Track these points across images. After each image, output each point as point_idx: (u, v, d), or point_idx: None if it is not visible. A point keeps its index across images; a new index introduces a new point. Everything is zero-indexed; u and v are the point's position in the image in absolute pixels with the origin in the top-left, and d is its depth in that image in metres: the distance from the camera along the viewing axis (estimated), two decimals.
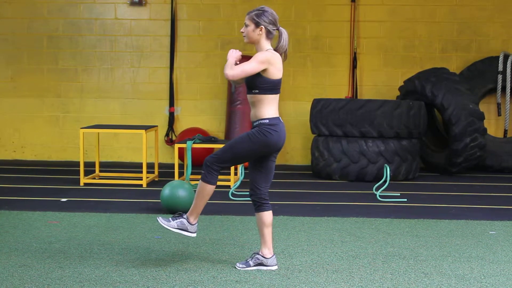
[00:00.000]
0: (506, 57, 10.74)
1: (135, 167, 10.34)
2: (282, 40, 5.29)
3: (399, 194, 8.56)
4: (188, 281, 5.03)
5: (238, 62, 5.31)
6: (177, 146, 8.91)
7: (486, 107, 10.98)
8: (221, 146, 9.18)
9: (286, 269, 5.36)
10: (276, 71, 5.21)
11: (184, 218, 5.31)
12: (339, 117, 9.68)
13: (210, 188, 5.26)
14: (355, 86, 11.04)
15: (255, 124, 5.26)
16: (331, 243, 6.18)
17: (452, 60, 11.07)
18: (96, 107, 11.31)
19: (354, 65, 11.07)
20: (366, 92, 11.14)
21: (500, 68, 10.73)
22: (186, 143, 8.83)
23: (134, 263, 5.47)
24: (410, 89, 10.35)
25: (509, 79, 10.70)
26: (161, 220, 5.32)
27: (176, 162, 8.92)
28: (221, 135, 11.13)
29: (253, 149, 5.21)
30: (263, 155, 5.29)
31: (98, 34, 11.27)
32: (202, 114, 11.19)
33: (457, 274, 5.29)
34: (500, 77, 10.74)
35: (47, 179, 9.56)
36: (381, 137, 9.63)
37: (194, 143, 8.86)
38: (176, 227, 5.29)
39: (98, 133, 9.54)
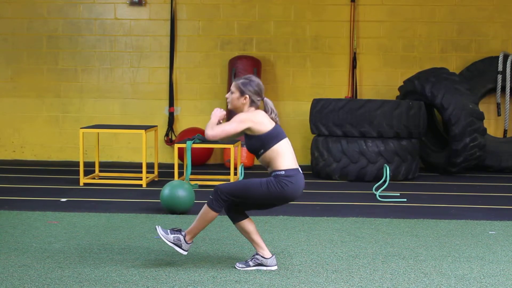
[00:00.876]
0: (505, 57, 10.74)
1: (135, 167, 10.34)
2: (268, 110, 5.34)
3: (398, 194, 8.55)
4: (188, 281, 5.03)
5: (221, 121, 5.35)
6: (176, 146, 8.91)
7: (486, 107, 10.98)
8: (220, 146, 9.20)
9: (286, 269, 5.36)
10: (261, 126, 5.22)
11: (181, 235, 5.33)
12: (338, 117, 9.68)
13: (213, 215, 5.26)
14: (354, 86, 11.04)
15: (272, 175, 5.24)
16: (330, 243, 6.18)
17: (451, 60, 11.07)
18: (95, 107, 11.31)
19: (353, 65, 11.07)
20: (366, 92, 11.14)
21: (500, 68, 10.73)
22: (185, 143, 8.83)
23: (134, 263, 5.47)
24: (409, 89, 10.35)
25: (509, 79, 10.70)
26: (159, 230, 5.34)
27: (176, 162, 8.92)
28: None
29: (267, 197, 5.21)
30: (273, 204, 5.32)
31: (98, 34, 11.28)
32: (202, 114, 11.19)
33: (456, 274, 5.29)
34: (499, 77, 10.74)
35: (47, 179, 9.56)
36: (381, 137, 9.63)
37: (193, 143, 8.86)
38: (172, 241, 5.32)
39: (98, 133, 9.54)
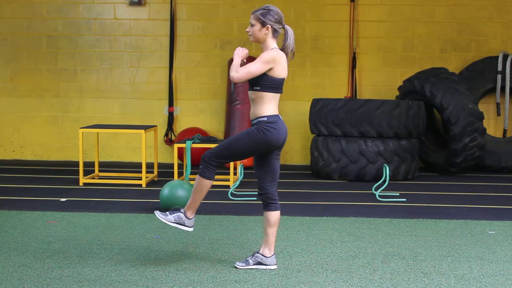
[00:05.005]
0: (505, 57, 10.74)
1: (135, 167, 10.34)
2: (288, 39, 5.31)
3: (398, 194, 8.56)
4: (188, 281, 5.03)
5: (245, 61, 5.30)
6: (176, 146, 8.91)
7: (486, 107, 10.98)
8: None
9: (286, 269, 5.36)
10: (281, 70, 5.22)
11: (181, 212, 5.30)
12: (338, 117, 9.68)
13: (208, 183, 5.25)
14: (354, 86, 11.04)
15: (253, 122, 5.25)
16: (330, 243, 6.18)
17: (451, 60, 11.07)
18: (95, 107, 11.31)
19: (353, 65, 11.07)
20: (366, 92, 11.15)
21: (500, 68, 10.73)
22: (185, 143, 8.83)
23: (134, 263, 5.47)
24: (409, 89, 10.35)
25: (509, 79, 10.70)
26: (158, 214, 5.32)
27: (176, 162, 8.92)
28: (220, 135, 11.13)
29: (252, 147, 5.21)
30: (263, 153, 5.29)
31: (97, 34, 11.28)
32: (202, 114, 11.19)
33: (456, 274, 5.29)
34: (499, 77, 10.74)
35: (47, 179, 9.55)
36: (381, 137, 9.63)
37: (193, 143, 8.86)
38: (173, 221, 5.29)
39: (98, 133, 9.54)
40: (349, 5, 11.06)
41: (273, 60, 5.18)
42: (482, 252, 5.90)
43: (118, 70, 11.30)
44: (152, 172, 9.62)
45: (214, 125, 11.22)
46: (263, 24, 5.24)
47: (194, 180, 8.85)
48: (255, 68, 5.16)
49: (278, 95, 5.28)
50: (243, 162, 10.23)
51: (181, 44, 11.23)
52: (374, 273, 5.27)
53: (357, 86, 11.07)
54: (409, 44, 11.11)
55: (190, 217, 5.32)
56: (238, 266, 5.35)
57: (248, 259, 5.38)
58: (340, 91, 11.12)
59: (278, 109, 5.31)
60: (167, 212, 5.32)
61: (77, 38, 11.29)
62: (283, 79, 5.26)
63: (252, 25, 5.27)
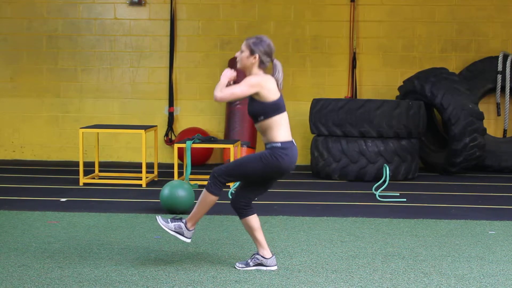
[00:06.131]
0: (505, 57, 10.74)
1: (135, 167, 10.34)
2: (276, 72, 5.29)
3: (398, 194, 8.56)
4: (188, 281, 5.03)
5: (232, 82, 5.31)
6: (176, 146, 8.91)
7: (486, 107, 10.98)
8: (220, 146, 9.20)
9: (286, 269, 5.36)
10: (269, 93, 5.18)
11: (182, 222, 5.32)
12: (338, 117, 9.68)
13: (213, 199, 5.26)
14: (354, 86, 11.04)
15: (267, 146, 5.23)
16: (330, 243, 6.18)
17: (451, 60, 11.07)
18: (95, 107, 11.31)
19: (353, 65, 11.07)
20: (366, 92, 11.14)
21: (500, 68, 10.73)
22: (185, 143, 8.83)
23: (134, 263, 5.48)
24: (409, 89, 10.35)
25: (509, 79, 10.70)
26: (159, 219, 5.33)
27: (176, 162, 8.92)
28: (220, 135, 11.13)
29: (263, 171, 5.19)
30: (271, 177, 5.30)
31: (98, 34, 11.27)
32: (202, 114, 11.19)
33: (456, 274, 5.29)
34: (499, 77, 10.74)
35: (47, 179, 9.56)
36: (381, 137, 9.63)
37: (193, 143, 8.86)
38: (173, 229, 5.30)
39: (98, 133, 9.54)
40: (349, 5, 11.06)
41: (258, 84, 5.16)
42: (482, 252, 5.90)
43: (118, 70, 11.30)
44: (152, 172, 9.62)
45: (214, 125, 11.22)
46: (252, 53, 5.24)
47: (194, 180, 8.89)
48: (239, 90, 5.16)
49: (283, 115, 5.24)
50: None
51: (181, 44, 11.23)
52: (374, 273, 5.27)
53: (357, 86, 11.07)
54: (409, 44, 11.11)
55: (190, 229, 5.33)
56: (238, 267, 5.35)
57: (248, 260, 5.38)
58: (340, 91, 11.12)
59: (289, 131, 5.27)
60: (169, 220, 5.34)
61: (77, 38, 11.29)
62: (279, 100, 5.21)
63: (242, 51, 5.28)
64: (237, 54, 5.31)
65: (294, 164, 5.26)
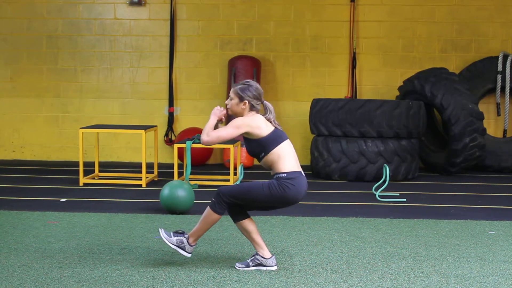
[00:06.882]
0: (505, 57, 10.74)
1: (135, 167, 10.34)
2: (268, 113, 5.32)
3: (398, 194, 8.55)
4: (188, 281, 5.03)
5: (222, 120, 5.36)
6: (176, 146, 8.91)
7: (486, 107, 10.98)
8: (220, 146, 9.20)
9: (286, 269, 5.36)
10: (259, 130, 5.21)
11: (184, 238, 5.33)
12: (338, 117, 9.68)
13: (216, 217, 5.27)
14: (354, 86, 11.04)
15: (274, 177, 5.24)
16: (330, 243, 6.18)
17: (451, 60, 11.07)
18: (95, 107, 11.31)
19: (353, 65, 11.07)
20: (366, 92, 11.15)
21: (500, 68, 10.73)
22: (185, 143, 8.83)
23: (134, 263, 5.47)
24: (409, 89, 10.35)
25: (509, 79, 10.70)
26: (162, 232, 5.35)
27: (176, 162, 8.91)
28: None
29: (269, 199, 5.19)
30: (275, 206, 5.32)
31: (98, 34, 11.27)
32: (202, 114, 11.19)
33: (456, 274, 5.29)
34: (499, 77, 10.74)
35: (47, 179, 9.55)
36: (381, 137, 9.63)
37: (193, 143, 8.85)
38: (175, 243, 5.33)
39: (98, 133, 9.54)
40: (349, 5, 11.06)
41: (244, 124, 5.19)
42: (482, 252, 5.90)
43: (118, 70, 11.30)
44: (152, 172, 9.62)
45: None
46: (241, 99, 5.28)
47: (194, 180, 8.89)
48: (226, 133, 5.21)
49: (284, 145, 5.25)
50: (243, 162, 10.24)
51: (181, 44, 11.23)
52: (374, 273, 5.27)
53: (357, 86, 11.07)
54: (409, 44, 11.11)
55: (192, 244, 5.35)
56: (238, 268, 5.35)
57: (248, 261, 5.38)
58: (340, 91, 11.12)
59: (297, 160, 5.26)
60: (171, 233, 5.35)
61: (77, 38, 11.29)
62: (274, 132, 5.23)
63: (231, 99, 5.31)
64: (227, 102, 5.35)
65: (301, 195, 5.23)
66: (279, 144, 5.23)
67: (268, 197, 5.18)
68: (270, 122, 5.31)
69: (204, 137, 5.23)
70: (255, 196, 5.20)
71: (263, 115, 5.32)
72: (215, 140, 5.23)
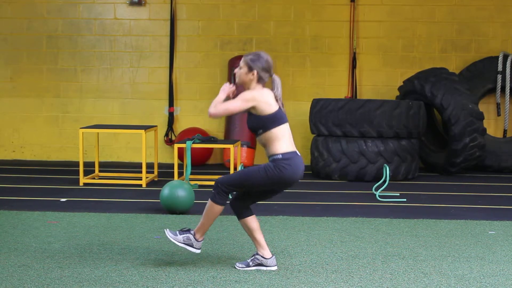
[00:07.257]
0: (505, 57, 10.74)
1: (135, 167, 10.34)
2: (274, 88, 5.29)
3: (398, 194, 8.56)
4: (188, 281, 5.03)
5: (231, 96, 5.33)
6: (176, 146, 8.91)
7: (486, 107, 10.98)
8: (220, 146, 9.20)
9: (286, 269, 5.36)
10: (266, 106, 5.19)
11: (191, 234, 5.33)
12: (338, 117, 9.68)
13: (219, 209, 5.26)
14: (354, 86, 11.04)
15: (270, 159, 5.23)
16: (330, 243, 6.18)
17: (451, 60, 11.07)
18: (95, 107, 11.31)
19: (353, 65, 11.07)
20: (366, 92, 11.15)
21: (500, 68, 10.73)
22: (185, 143, 8.83)
23: (134, 263, 5.47)
24: (409, 89, 10.35)
25: (509, 79, 10.70)
26: (168, 232, 5.35)
27: (176, 162, 8.92)
28: (220, 135, 11.12)
29: (267, 182, 5.18)
30: (273, 189, 5.30)
31: (98, 34, 11.27)
32: (202, 114, 11.19)
33: (456, 274, 5.29)
34: (499, 77, 10.74)
35: (47, 179, 9.55)
36: (381, 137, 9.63)
37: (193, 143, 8.86)
38: (182, 241, 5.32)
39: (98, 133, 9.54)
40: (349, 5, 11.06)
41: (253, 98, 5.17)
42: (482, 252, 5.90)
43: (118, 70, 11.30)
44: (152, 172, 9.62)
45: (214, 125, 11.21)
46: (250, 69, 5.25)
47: (194, 180, 8.89)
48: (233, 106, 5.19)
49: (284, 127, 5.24)
50: (243, 162, 10.24)
51: (181, 44, 11.23)
52: (374, 273, 5.27)
53: (357, 86, 11.07)
54: (409, 44, 11.11)
55: (199, 240, 5.35)
56: (238, 267, 5.35)
57: (248, 260, 5.38)
58: (340, 91, 11.12)
59: (292, 142, 5.26)
60: (177, 232, 5.36)
61: (77, 38, 11.29)
62: (277, 112, 5.21)
63: (240, 67, 5.29)
64: (236, 70, 5.33)
65: (298, 175, 5.21)
66: (280, 125, 5.21)
67: (266, 180, 5.16)
68: (277, 100, 5.26)
69: (212, 109, 5.19)
70: (253, 181, 5.18)
71: (270, 90, 5.28)
72: (222, 113, 5.19)
